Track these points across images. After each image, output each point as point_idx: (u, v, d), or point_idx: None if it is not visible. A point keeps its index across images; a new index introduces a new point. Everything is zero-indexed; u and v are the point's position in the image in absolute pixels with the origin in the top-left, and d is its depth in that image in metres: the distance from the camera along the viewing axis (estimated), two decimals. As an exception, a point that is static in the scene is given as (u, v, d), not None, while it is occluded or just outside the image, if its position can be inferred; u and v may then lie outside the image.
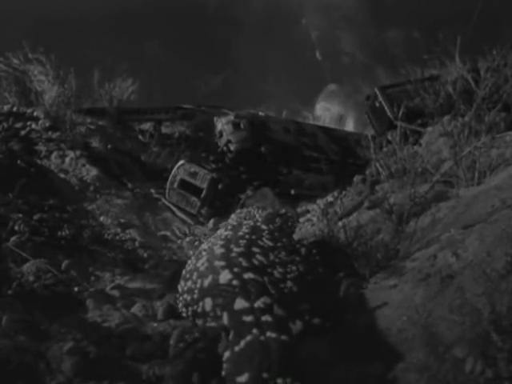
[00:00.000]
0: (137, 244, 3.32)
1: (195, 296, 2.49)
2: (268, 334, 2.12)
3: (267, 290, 2.41)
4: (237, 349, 2.09)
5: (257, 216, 3.35)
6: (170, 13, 11.48)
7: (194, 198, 4.18)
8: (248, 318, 2.22)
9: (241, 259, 2.55)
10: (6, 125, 4.68)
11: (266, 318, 2.22)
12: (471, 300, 2.13)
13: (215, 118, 5.46)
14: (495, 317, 2.03)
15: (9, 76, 5.39)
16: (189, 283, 2.59)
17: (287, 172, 5.18)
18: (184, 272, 2.74)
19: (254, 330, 2.14)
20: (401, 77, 5.34)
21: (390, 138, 4.37)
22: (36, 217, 3.12)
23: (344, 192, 4.34)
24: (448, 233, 2.69)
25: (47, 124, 4.82)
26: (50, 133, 4.74)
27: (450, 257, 2.41)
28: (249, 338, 2.11)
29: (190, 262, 2.79)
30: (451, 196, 3.24)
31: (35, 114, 4.99)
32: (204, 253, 2.72)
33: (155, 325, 2.34)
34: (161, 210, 4.23)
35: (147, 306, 2.51)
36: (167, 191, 4.28)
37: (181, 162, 4.30)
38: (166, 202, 4.30)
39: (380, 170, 4.15)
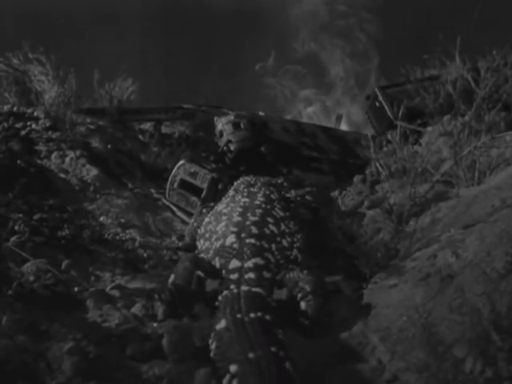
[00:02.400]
0: (137, 244, 3.32)
1: (209, 255, 2.79)
2: (242, 287, 2.37)
3: (263, 252, 2.66)
4: (216, 303, 2.33)
5: (257, 184, 3.55)
6: (171, 13, 11.49)
7: (194, 198, 4.18)
8: (234, 276, 2.48)
9: (253, 227, 2.81)
10: (6, 125, 4.68)
11: (249, 275, 2.47)
12: (471, 300, 2.13)
13: (215, 118, 5.45)
14: (495, 316, 2.03)
15: (9, 76, 5.38)
16: (207, 243, 2.93)
17: (287, 172, 5.18)
18: (202, 230, 3.08)
19: (232, 286, 2.40)
20: (401, 77, 5.34)
21: (389, 137, 4.37)
22: (36, 217, 3.12)
23: (344, 192, 4.34)
24: (448, 232, 2.69)
25: (47, 124, 4.82)
26: (50, 133, 4.72)
27: (449, 256, 2.41)
28: (224, 292, 2.37)
29: (207, 220, 3.13)
30: (451, 196, 3.24)
31: (35, 113, 4.98)
32: (224, 217, 3.00)
33: (155, 325, 2.34)
34: (161, 209, 4.23)
35: (147, 306, 2.51)
36: (167, 191, 4.27)
37: (181, 161, 4.29)
38: (166, 202, 4.29)
39: (380, 169, 4.15)
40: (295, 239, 2.92)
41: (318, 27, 11.21)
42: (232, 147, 4.96)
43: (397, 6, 10.96)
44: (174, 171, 4.25)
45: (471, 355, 1.93)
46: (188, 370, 2.08)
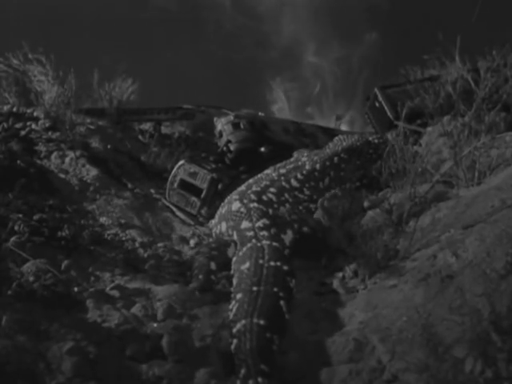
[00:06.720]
0: (137, 244, 3.32)
1: (216, 221, 3.37)
2: (263, 242, 2.81)
3: (268, 214, 3.13)
4: (240, 253, 2.79)
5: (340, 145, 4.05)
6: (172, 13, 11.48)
7: (194, 198, 4.17)
8: (250, 233, 2.94)
9: (252, 195, 3.29)
10: (5, 125, 4.68)
11: (264, 233, 2.94)
12: (471, 300, 2.13)
13: (215, 118, 5.45)
14: (495, 317, 2.03)
15: (9, 76, 5.37)
16: (216, 218, 3.44)
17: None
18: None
19: (253, 240, 2.84)
20: (401, 77, 5.33)
21: (389, 137, 4.36)
22: (36, 217, 3.12)
23: (344, 192, 4.32)
24: (448, 233, 2.70)
25: (47, 124, 4.81)
26: (49, 133, 4.72)
27: (449, 257, 2.41)
28: (249, 244, 2.82)
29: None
30: (451, 196, 3.24)
31: (35, 114, 4.97)
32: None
33: (155, 325, 2.34)
34: (161, 210, 4.23)
35: (147, 306, 2.51)
36: (167, 191, 4.27)
37: (181, 162, 4.29)
38: (166, 202, 4.29)
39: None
40: (295, 207, 3.33)
41: (317, 26, 11.21)
42: (232, 147, 4.95)
43: (396, 5, 10.96)
44: (173, 171, 4.25)
45: (471, 356, 1.94)
46: (188, 370, 2.08)
